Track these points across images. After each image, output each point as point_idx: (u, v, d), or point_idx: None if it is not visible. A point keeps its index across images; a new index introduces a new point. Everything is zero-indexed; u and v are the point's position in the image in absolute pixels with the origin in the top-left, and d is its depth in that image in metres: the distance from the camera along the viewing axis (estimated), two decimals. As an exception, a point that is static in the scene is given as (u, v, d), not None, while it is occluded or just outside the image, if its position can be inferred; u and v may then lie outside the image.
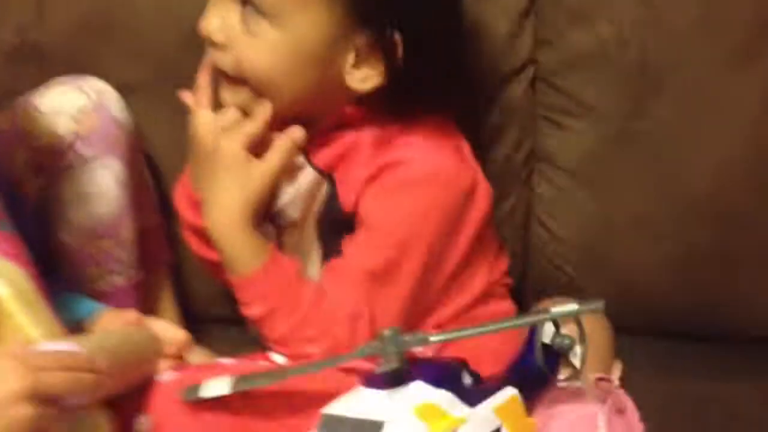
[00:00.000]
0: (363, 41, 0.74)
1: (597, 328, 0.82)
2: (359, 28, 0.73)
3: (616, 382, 0.81)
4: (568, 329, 0.74)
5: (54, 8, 0.91)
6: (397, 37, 0.73)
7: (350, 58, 0.74)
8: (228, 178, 0.75)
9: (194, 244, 0.83)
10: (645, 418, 0.76)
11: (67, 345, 0.61)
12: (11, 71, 0.90)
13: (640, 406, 0.76)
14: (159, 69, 0.89)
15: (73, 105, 0.81)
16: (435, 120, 0.79)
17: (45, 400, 0.57)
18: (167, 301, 0.88)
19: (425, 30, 0.74)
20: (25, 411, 0.56)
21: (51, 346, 0.60)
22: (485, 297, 0.82)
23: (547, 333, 0.73)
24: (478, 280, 0.81)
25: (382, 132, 0.77)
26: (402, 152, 0.76)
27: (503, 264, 0.86)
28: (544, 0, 0.90)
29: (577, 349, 0.73)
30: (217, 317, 0.92)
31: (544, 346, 0.73)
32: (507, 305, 0.86)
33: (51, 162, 0.80)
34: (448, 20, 0.78)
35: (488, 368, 0.71)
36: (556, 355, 0.73)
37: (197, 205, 0.79)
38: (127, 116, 0.84)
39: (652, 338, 0.94)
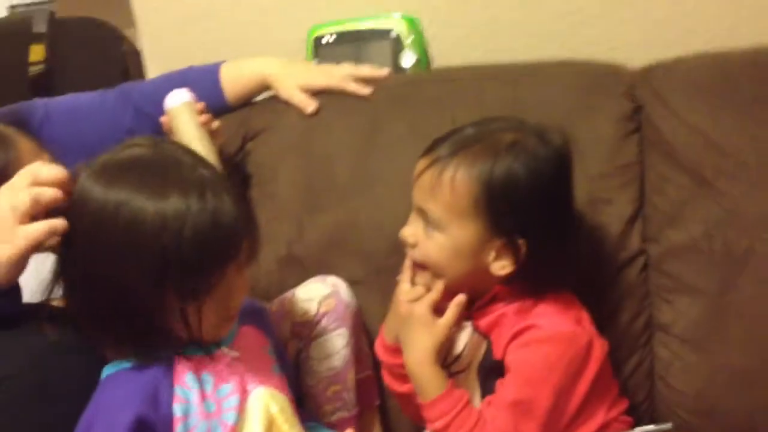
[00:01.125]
0: (499, 243, 1.06)
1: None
2: (495, 236, 1.05)
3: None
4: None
5: (310, 230, 1.32)
6: (521, 241, 1.05)
7: (492, 253, 1.06)
8: (420, 331, 1.07)
9: (388, 379, 1.16)
10: None
11: None
12: (281, 273, 1.31)
13: None
14: (374, 268, 1.26)
15: (319, 294, 1.19)
16: (561, 295, 1.08)
17: None
18: (377, 428, 1.22)
19: (542, 235, 1.05)
20: None
21: None
22: (605, 430, 1.06)
23: (653, 458, 0.98)
24: (599, 415, 1.06)
25: (522, 304, 1.07)
26: (535, 319, 1.06)
27: (622, 405, 1.10)
28: (647, 208, 1.20)
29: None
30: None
31: (650, 469, 0.97)
32: (625, 438, 1.08)
33: (305, 331, 1.18)
34: (562, 228, 1.08)
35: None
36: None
37: (391, 350, 1.13)
38: (353, 300, 1.22)
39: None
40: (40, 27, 2.96)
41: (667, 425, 0.93)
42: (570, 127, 1.15)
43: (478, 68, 1.40)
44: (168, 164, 0.97)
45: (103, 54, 2.82)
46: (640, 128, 1.23)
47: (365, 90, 1.37)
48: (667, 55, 1.29)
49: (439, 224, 1.07)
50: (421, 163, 1.10)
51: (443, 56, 1.52)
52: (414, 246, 1.10)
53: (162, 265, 0.92)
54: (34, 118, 1.33)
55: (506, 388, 1.05)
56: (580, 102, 1.26)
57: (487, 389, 1.08)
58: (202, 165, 0.99)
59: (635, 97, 1.25)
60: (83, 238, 0.96)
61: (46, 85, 2.78)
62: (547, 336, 1.05)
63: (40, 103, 1.38)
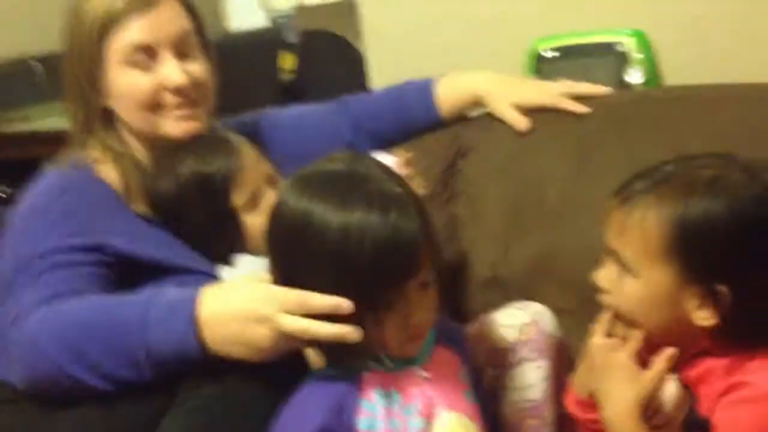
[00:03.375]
0: (697, 291, 0.96)
1: None
2: (692, 282, 0.96)
3: None
4: None
5: (515, 252, 1.30)
6: (723, 288, 0.94)
7: (693, 302, 0.97)
8: (622, 382, 1.00)
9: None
10: None
11: None
12: (483, 296, 1.29)
13: None
14: (580, 298, 1.18)
15: (519, 321, 1.15)
16: None
17: None
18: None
19: (750, 283, 0.94)
20: None
21: None
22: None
23: None
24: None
25: (734, 359, 0.97)
26: (748, 375, 0.95)
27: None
28: None
29: None
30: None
31: None
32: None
33: (502, 359, 1.15)
34: None
35: None
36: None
37: (583, 405, 1.06)
38: (557, 331, 1.17)
39: None
40: (291, 37, 3.13)
41: None
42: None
43: (711, 87, 1.29)
44: (358, 178, 1.00)
45: (347, 69, 2.92)
46: None
47: (581, 108, 1.32)
48: None
49: (630, 268, 1.00)
50: (612, 202, 1.03)
51: (676, 76, 1.42)
52: (607, 291, 1.04)
53: (341, 274, 0.95)
54: (263, 126, 1.41)
55: (712, 449, 0.96)
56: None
57: (692, 447, 0.99)
58: (393, 181, 1.01)
59: None
60: (278, 241, 1.01)
61: (296, 94, 2.94)
62: (761, 395, 0.94)
63: (270, 112, 1.47)
